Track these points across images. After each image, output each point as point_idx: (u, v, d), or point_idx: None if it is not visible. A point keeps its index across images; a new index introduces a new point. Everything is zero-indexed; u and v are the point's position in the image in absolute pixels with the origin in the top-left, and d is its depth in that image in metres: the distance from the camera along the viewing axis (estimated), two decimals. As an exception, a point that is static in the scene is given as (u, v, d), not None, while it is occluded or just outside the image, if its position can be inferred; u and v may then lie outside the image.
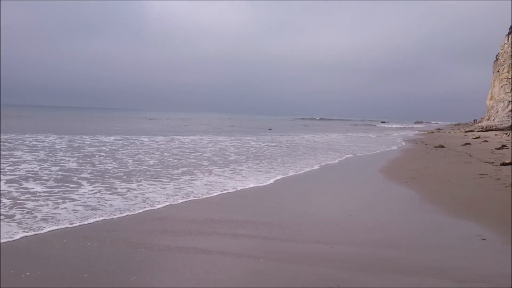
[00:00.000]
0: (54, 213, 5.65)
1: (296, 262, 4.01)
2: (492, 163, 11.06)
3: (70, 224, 5.21)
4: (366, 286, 3.45)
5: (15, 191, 6.89)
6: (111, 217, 5.64)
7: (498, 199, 6.69)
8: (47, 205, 6.09)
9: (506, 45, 39.87)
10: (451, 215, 5.92)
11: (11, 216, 5.40)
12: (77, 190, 7.20)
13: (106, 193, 7.06)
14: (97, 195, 6.92)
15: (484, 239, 4.71)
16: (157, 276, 3.65)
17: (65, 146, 14.84)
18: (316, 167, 11.60)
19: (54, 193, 6.92)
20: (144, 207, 6.23)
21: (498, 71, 40.96)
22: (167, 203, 6.54)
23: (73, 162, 10.57)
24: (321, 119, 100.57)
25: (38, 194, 6.79)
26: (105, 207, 6.16)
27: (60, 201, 6.38)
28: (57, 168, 9.52)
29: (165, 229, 5.19)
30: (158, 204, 6.44)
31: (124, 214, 5.80)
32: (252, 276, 3.71)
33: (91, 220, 5.42)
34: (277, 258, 4.14)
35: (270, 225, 5.44)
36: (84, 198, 6.66)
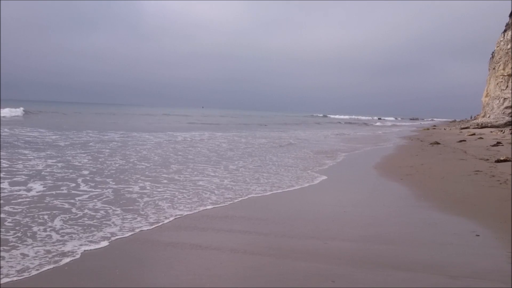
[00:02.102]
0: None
1: (291, 258, 4.02)
2: (487, 160, 11.12)
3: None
4: (360, 282, 3.47)
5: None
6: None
7: (492, 196, 6.72)
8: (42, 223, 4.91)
9: (502, 43, 39.97)
10: (446, 212, 5.95)
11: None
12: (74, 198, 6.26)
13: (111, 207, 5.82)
14: (97, 205, 5.90)
15: (478, 235, 4.73)
16: (151, 271, 3.65)
17: (68, 143, 14.75)
18: (315, 165, 11.63)
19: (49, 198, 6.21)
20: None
21: (494, 69, 41.09)
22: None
23: (84, 159, 10.41)
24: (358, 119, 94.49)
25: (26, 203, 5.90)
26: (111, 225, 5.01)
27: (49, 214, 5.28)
28: (59, 166, 9.44)
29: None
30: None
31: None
32: (247, 271, 3.71)
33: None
34: (272, 253, 4.15)
35: (266, 221, 5.44)
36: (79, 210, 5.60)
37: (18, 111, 34.39)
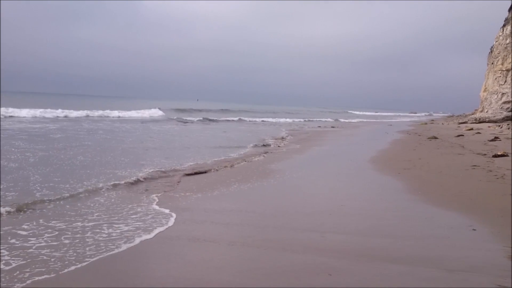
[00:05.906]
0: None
1: (288, 250, 4.04)
2: (485, 154, 11.14)
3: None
4: (357, 274, 3.48)
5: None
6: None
7: (489, 191, 6.75)
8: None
9: (501, 37, 39.89)
10: (443, 206, 5.97)
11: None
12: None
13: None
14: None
15: (474, 230, 4.76)
16: (148, 264, 3.65)
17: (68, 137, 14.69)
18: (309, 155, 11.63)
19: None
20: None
21: (492, 63, 41.03)
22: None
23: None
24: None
25: None
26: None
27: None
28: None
29: (158, 217, 5.19)
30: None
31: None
32: (245, 263, 3.73)
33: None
34: (270, 246, 4.17)
35: (263, 214, 5.46)
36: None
37: (157, 111, 36.44)
